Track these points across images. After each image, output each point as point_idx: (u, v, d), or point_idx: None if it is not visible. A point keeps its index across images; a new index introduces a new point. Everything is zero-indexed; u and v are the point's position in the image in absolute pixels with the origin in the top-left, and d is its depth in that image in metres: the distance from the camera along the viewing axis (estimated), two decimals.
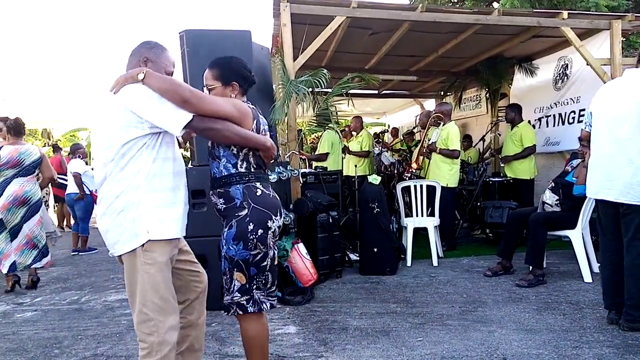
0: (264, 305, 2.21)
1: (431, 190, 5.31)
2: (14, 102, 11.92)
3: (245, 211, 2.14)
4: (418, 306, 3.78)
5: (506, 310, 3.60)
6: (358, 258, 5.03)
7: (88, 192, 6.93)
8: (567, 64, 6.67)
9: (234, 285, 2.18)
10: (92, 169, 6.68)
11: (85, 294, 4.66)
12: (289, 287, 4.17)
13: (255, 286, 2.18)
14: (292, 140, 4.91)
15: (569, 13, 5.44)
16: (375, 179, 4.97)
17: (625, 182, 2.99)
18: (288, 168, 4.60)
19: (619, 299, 3.15)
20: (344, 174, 7.24)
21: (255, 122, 2.18)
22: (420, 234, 5.44)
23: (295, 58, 4.84)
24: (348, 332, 3.31)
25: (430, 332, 3.24)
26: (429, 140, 5.94)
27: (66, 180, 9.12)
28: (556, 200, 4.37)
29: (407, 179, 6.03)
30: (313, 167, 6.97)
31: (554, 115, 6.89)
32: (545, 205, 4.46)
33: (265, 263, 2.18)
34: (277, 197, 2.30)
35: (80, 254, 6.95)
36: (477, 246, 5.97)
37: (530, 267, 4.28)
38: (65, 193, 7.43)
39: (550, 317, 3.43)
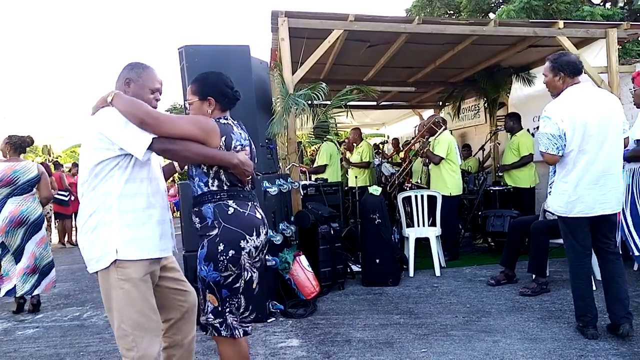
0: (237, 332, 2.14)
1: (432, 200, 5.31)
2: (14, 119, 11.95)
3: (216, 231, 2.09)
4: (421, 317, 3.77)
5: (510, 320, 3.58)
6: (360, 269, 5.02)
7: None
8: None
9: (208, 306, 2.14)
10: None
11: (87, 310, 4.64)
12: (291, 300, 4.16)
13: (228, 309, 2.12)
14: (292, 153, 4.92)
15: (564, 23, 5.49)
16: (376, 190, 4.98)
17: (617, 192, 3.11)
18: (288, 180, 4.61)
19: (595, 312, 3.19)
20: (349, 185, 7.25)
21: (224, 138, 2.11)
22: (422, 244, 5.43)
23: (294, 72, 4.87)
24: (351, 344, 3.29)
25: (435, 343, 3.22)
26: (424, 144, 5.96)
27: (66, 197, 9.18)
28: None
29: (407, 189, 6.04)
30: (313, 179, 6.98)
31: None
32: (547, 213, 4.46)
33: (237, 285, 2.11)
34: (258, 215, 2.19)
35: None
36: (480, 255, 5.96)
37: (534, 276, 4.27)
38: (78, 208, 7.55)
39: (554, 325, 3.42)
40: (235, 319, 2.14)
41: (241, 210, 2.12)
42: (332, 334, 3.51)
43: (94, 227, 2.03)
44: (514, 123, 6.27)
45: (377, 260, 4.73)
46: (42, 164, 5.63)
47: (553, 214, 4.46)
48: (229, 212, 2.10)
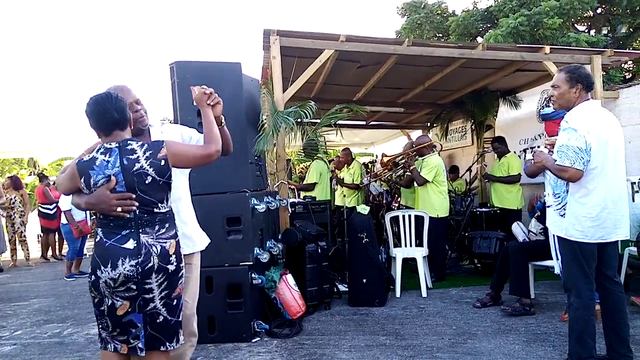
0: (109, 345, 2.17)
1: (419, 220, 5.33)
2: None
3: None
4: (407, 338, 3.74)
5: (496, 342, 3.57)
6: (347, 289, 4.99)
7: (65, 222, 7.12)
8: (550, 97, 6.82)
9: None
10: None
11: (67, 327, 4.53)
12: (276, 319, 4.12)
13: (100, 325, 2.19)
14: (281, 170, 4.92)
15: (551, 48, 5.62)
16: (364, 209, 4.98)
17: (628, 217, 2.94)
18: (277, 198, 4.60)
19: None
20: (337, 203, 7.24)
21: (82, 179, 2.12)
22: (409, 264, 5.41)
23: (284, 90, 4.90)
24: None
25: None
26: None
27: (51, 210, 9.05)
28: (540, 229, 4.41)
29: (395, 208, 6.04)
30: (302, 197, 6.97)
31: (538, 147, 7.02)
32: (530, 233, 4.51)
33: (102, 308, 2.13)
34: (129, 245, 2.09)
35: (66, 278, 7.08)
36: (466, 277, 5.95)
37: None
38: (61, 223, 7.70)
39: (540, 348, 3.41)
40: (108, 335, 2.17)
41: (104, 239, 2.12)
42: (317, 354, 3.47)
43: None
44: (504, 146, 6.51)
45: (364, 280, 4.71)
46: (12, 177, 5.58)
47: (536, 234, 4.51)
48: (96, 240, 2.16)
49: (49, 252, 9.59)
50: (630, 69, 13.73)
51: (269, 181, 5.02)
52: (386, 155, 7.02)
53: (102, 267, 2.06)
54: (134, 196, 2.09)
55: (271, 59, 4.88)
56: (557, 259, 3.10)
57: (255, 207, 3.94)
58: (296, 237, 4.53)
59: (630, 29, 13.45)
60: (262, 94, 4.96)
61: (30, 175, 16.42)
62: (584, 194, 2.82)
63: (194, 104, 2.45)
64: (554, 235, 3.03)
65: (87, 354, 3.73)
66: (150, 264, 2.08)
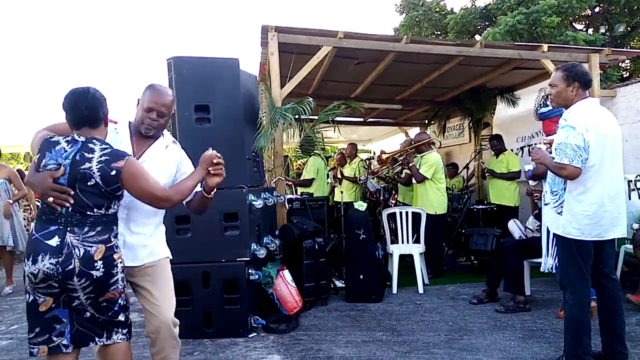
0: (33, 350, 2.06)
1: (417, 217, 5.34)
2: None
3: None
4: (404, 334, 3.75)
5: (492, 339, 3.59)
6: (344, 285, 5.00)
7: None
8: (548, 96, 6.83)
9: None
10: None
11: None
12: (273, 315, 4.12)
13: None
14: (279, 167, 4.92)
15: (548, 46, 5.63)
16: (361, 206, 4.99)
17: (625, 214, 2.94)
18: (274, 194, 4.60)
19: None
20: (335, 200, 7.24)
21: (38, 156, 2.07)
22: (406, 261, 5.43)
23: (282, 86, 4.90)
24: None
25: None
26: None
27: None
28: (537, 226, 4.43)
29: (392, 205, 6.05)
30: (299, 193, 6.98)
31: (535, 145, 7.04)
32: (527, 230, 4.53)
33: (24, 304, 2.07)
34: (53, 242, 1.98)
35: None
36: (463, 273, 5.98)
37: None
38: None
39: (535, 345, 3.43)
40: (28, 340, 2.08)
41: (34, 231, 2.04)
42: (314, 350, 3.48)
43: None
44: (502, 144, 6.57)
45: (361, 276, 4.72)
46: (18, 171, 5.60)
47: (532, 231, 4.52)
48: (30, 231, 2.09)
49: None
50: (628, 67, 13.77)
51: (266, 177, 5.02)
52: (385, 153, 7.04)
53: (27, 260, 1.99)
54: (72, 193, 2.01)
55: (269, 55, 4.88)
56: (546, 256, 3.12)
57: (253, 203, 3.94)
58: (293, 233, 4.54)
59: (628, 28, 13.50)
60: (260, 90, 4.96)
61: (26, 170, 16.37)
62: (582, 192, 2.82)
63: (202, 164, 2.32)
64: (548, 233, 3.04)
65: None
66: (71, 266, 1.97)
